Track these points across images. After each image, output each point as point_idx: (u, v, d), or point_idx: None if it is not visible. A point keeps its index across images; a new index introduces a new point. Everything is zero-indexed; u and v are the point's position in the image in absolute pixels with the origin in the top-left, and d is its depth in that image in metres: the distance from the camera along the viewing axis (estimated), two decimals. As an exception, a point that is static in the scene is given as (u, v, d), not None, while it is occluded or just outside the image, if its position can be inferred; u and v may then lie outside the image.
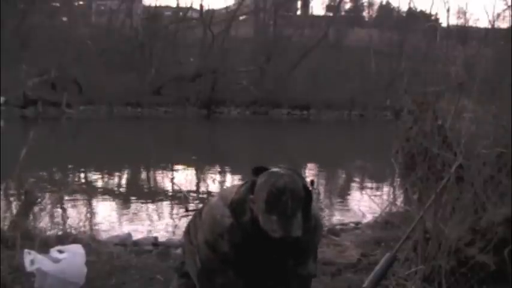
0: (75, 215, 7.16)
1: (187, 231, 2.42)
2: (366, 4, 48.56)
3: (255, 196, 2.01)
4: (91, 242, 4.50)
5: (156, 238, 5.59)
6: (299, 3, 43.32)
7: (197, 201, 8.26)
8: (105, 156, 13.71)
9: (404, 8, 64.58)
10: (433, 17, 41.95)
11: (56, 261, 3.48)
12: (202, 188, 10.18)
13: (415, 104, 4.79)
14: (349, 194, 10.23)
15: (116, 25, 34.16)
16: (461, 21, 42.51)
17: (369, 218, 6.72)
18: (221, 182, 10.77)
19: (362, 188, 10.63)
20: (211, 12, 35.09)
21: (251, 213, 2.05)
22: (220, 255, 2.14)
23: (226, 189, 2.35)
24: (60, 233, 4.79)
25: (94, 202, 8.41)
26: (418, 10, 43.34)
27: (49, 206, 7.12)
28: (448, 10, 68.00)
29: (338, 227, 6.53)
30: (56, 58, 25.78)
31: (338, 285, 3.82)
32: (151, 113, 28.42)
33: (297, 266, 2.19)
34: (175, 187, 10.08)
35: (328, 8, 43.81)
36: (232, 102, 31.01)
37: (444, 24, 41.92)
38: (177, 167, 12.95)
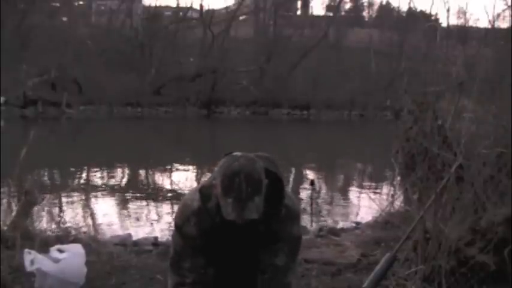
0: (75, 215, 7.18)
1: None
2: (366, 4, 48.63)
3: (216, 180, 1.99)
4: (91, 242, 4.50)
5: (156, 238, 5.58)
6: (299, 3, 43.38)
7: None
8: (105, 156, 13.71)
9: (404, 8, 64.61)
10: (433, 17, 41.99)
11: (56, 261, 3.48)
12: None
13: (415, 104, 4.79)
14: (349, 194, 10.23)
15: (116, 25, 34.18)
16: (461, 21, 42.57)
17: (369, 218, 6.72)
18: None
19: (362, 188, 10.63)
20: (211, 12, 35.14)
21: (216, 199, 2.03)
22: (188, 239, 2.13)
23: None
24: (60, 233, 4.79)
25: (94, 202, 8.41)
26: (418, 10, 43.41)
27: (49, 206, 7.15)
28: (448, 10, 68.09)
29: (338, 227, 6.53)
30: (56, 58, 25.79)
31: (338, 285, 3.81)
32: (151, 113, 28.43)
33: (267, 256, 2.16)
34: (176, 187, 10.08)
35: (328, 8, 43.83)
36: (232, 102, 31.03)
37: (444, 24, 41.96)
38: (177, 166, 12.96)
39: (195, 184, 10.80)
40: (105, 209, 7.88)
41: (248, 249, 2.16)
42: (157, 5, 36.67)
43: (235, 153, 2.01)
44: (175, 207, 8.14)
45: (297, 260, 2.34)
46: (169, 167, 12.74)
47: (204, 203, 2.10)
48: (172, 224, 2.31)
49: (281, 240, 2.16)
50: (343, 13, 44.15)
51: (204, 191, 2.12)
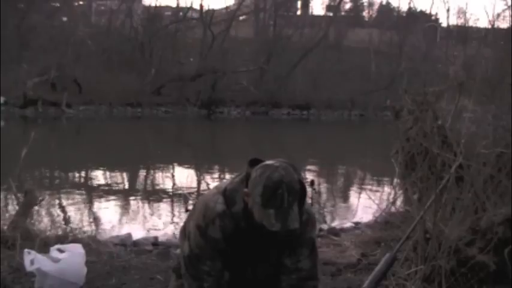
0: (75, 215, 7.18)
1: (184, 226, 2.42)
2: (365, 4, 48.65)
3: (250, 190, 1.99)
4: (91, 242, 4.49)
5: (156, 238, 5.58)
6: (299, 3, 43.39)
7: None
8: (105, 156, 13.71)
9: (404, 8, 64.76)
10: (433, 17, 42.06)
11: (56, 261, 3.48)
12: (203, 188, 10.18)
13: (415, 104, 4.78)
14: (349, 194, 10.23)
15: (116, 25, 34.17)
16: (461, 21, 42.59)
17: (369, 218, 6.72)
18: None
19: (362, 188, 10.62)
20: (211, 12, 35.13)
21: (243, 204, 2.03)
22: (211, 241, 2.13)
23: (222, 182, 2.35)
24: (60, 233, 4.79)
25: (94, 202, 8.41)
26: (418, 10, 43.47)
27: (49, 206, 7.15)
28: (448, 10, 68.16)
29: (338, 227, 6.53)
30: (56, 58, 25.80)
31: (338, 285, 3.81)
32: (151, 113, 28.43)
33: (291, 261, 2.18)
34: (175, 187, 10.08)
35: (328, 8, 43.85)
36: (232, 102, 31.05)
37: (444, 24, 42.05)
38: (177, 167, 12.96)
39: (195, 184, 10.80)
40: (105, 209, 7.88)
41: (269, 254, 2.17)
42: (157, 5, 36.72)
43: (269, 162, 2.01)
44: (175, 208, 8.15)
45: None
46: (169, 167, 12.74)
47: (229, 206, 2.09)
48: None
49: (303, 245, 2.19)
50: (343, 13, 44.20)
51: (228, 195, 2.11)
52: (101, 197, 8.84)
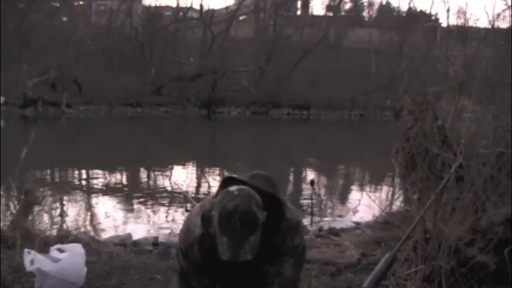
0: (75, 215, 7.18)
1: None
2: (365, 4, 48.67)
3: (214, 214, 2.00)
4: (91, 242, 4.50)
5: (156, 238, 5.58)
6: (299, 3, 43.39)
7: (197, 202, 8.24)
8: (105, 157, 13.71)
9: (404, 8, 64.82)
10: (433, 17, 42.10)
11: (56, 261, 3.48)
12: (203, 188, 10.19)
13: (415, 104, 4.77)
14: (349, 194, 10.23)
15: (115, 25, 34.18)
16: (461, 21, 42.61)
17: (369, 218, 6.72)
18: (221, 182, 10.74)
19: (362, 188, 10.63)
20: (211, 12, 35.15)
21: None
22: (193, 262, 2.18)
23: (207, 198, 2.34)
24: (60, 233, 4.79)
25: (94, 202, 8.42)
26: (418, 10, 43.49)
27: (49, 206, 7.15)
28: (448, 10, 68.23)
29: (338, 227, 6.53)
30: (56, 58, 25.81)
31: (338, 285, 3.81)
32: (151, 113, 28.44)
33: (273, 267, 2.18)
34: (176, 187, 10.08)
35: (328, 8, 43.87)
36: (232, 102, 31.06)
37: (444, 24, 42.08)
38: (177, 167, 12.95)
39: (195, 184, 10.80)
40: (105, 209, 7.88)
41: (252, 266, 2.17)
42: (157, 5, 36.77)
43: (232, 189, 1.99)
44: (175, 208, 8.14)
45: (303, 269, 2.35)
46: (169, 167, 12.73)
47: (206, 228, 2.12)
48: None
49: (285, 253, 2.18)
50: (343, 13, 44.22)
51: (205, 217, 2.13)
52: (101, 197, 8.84)
